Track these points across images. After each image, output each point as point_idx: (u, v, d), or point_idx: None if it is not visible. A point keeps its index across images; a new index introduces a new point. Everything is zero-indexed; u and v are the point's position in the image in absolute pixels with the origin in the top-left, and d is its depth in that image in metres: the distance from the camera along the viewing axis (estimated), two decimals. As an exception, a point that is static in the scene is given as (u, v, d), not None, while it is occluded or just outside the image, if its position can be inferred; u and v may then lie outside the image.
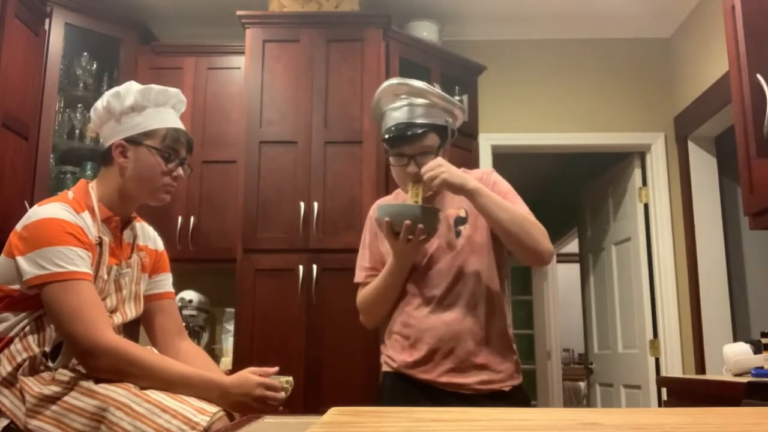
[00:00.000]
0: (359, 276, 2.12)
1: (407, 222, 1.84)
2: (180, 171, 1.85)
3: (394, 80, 2.06)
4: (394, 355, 2.03)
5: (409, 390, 1.97)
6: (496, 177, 2.07)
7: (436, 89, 2.05)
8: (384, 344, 2.10)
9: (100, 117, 1.82)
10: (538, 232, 1.93)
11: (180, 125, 1.85)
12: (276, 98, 3.50)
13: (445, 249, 2.01)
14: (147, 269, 1.89)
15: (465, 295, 1.98)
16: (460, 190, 1.90)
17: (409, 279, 2.02)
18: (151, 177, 1.80)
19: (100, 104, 1.82)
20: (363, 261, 2.13)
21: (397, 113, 2.01)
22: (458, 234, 2.02)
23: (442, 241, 2.00)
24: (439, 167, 1.88)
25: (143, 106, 1.79)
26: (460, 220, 2.04)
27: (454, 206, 2.04)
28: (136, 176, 1.79)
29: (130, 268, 1.81)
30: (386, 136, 2.01)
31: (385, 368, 2.07)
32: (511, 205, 1.94)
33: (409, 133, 1.97)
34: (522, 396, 2.02)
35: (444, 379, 1.94)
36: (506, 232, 1.93)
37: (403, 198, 2.11)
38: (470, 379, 1.94)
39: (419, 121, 1.98)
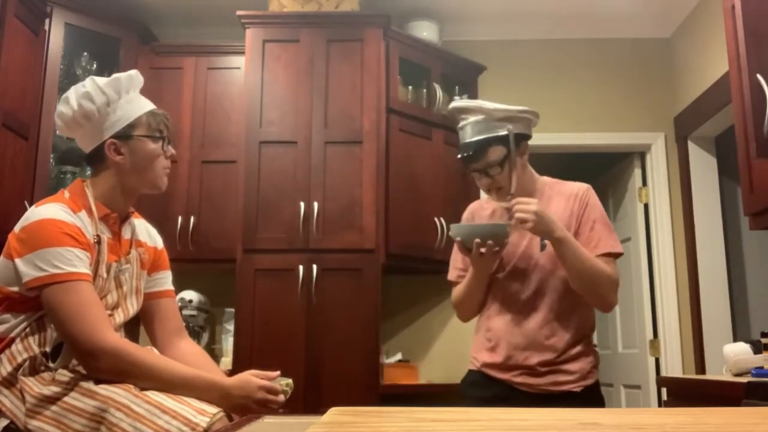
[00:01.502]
0: (452, 275, 2.29)
1: (477, 240, 1.99)
2: (171, 149, 1.85)
3: (452, 104, 2.18)
4: (477, 355, 2.19)
5: (488, 386, 2.13)
6: (592, 198, 2.15)
7: (491, 103, 2.11)
8: (473, 344, 2.25)
9: (75, 121, 1.78)
10: (606, 288, 2.06)
11: (151, 105, 1.85)
12: (276, 98, 3.50)
13: (528, 261, 2.12)
14: (146, 266, 1.88)
15: (542, 308, 2.10)
16: (547, 236, 2.01)
17: (493, 286, 2.16)
18: (151, 165, 1.80)
19: (68, 109, 1.77)
20: (456, 262, 2.29)
21: (462, 133, 2.12)
22: (543, 247, 2.07)
23: (525, 254, 2.12)
24: (532, 214, 1.96)
25: (116, 99, 1.78)
26: None
27: None
28: (136, 169, 1.79)
29: (130, 264, 1.80)
30: (458, 157, 2.15)
31: (470, 366, 2.23)
32: (589, 257, 2.03)
33: (469, 153, 2.08)
34: (594, 396, 2.10)
35: (519, 380, 2.09)
36: (577, 282, 2.06)
37: (491, 203, 2.27)
38: (542, 380, 2.07)
39: (477, 138, 2.07)
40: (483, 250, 1.99)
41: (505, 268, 2.13)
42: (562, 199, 2.15)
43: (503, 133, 2.06)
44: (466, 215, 2.32)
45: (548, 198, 2.16)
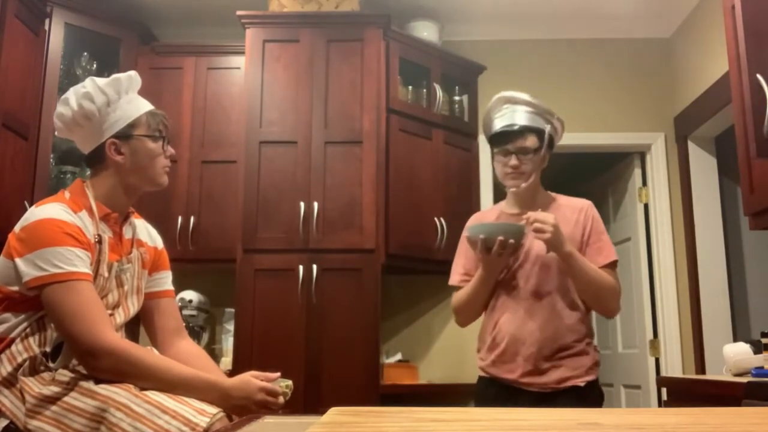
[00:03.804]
0: (454, 279, 2.37)
1: (500, 238, 2.08)
2: (170, 149, 1.86)
3: (503, 93, 2.34)
4: (485, 355, 2.28)
5: (499, 393, 2.22)
6: (595, 213, 2.31)
7: (538, 101, 2.33)
8: (479, 351, 2.33)
9: (75, 122, 1.78)
10: (610, 296, 2.22)
11: (150, 105, 1.85)
12: (276, 98, 3.50)
13: (536, 261, 2.23)
14: (147, 266, 1.88)
15: (547, 305, 2.21)
16: (557, 250, 2.14)
17: (498, 287, 2.26)
18: (152, 164, 1.81)
19: (67, 110, 1.77)
20: (458, 267, 2.37)
21: (502, 118, 2.30)
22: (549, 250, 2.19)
23: (533, 254, 2.23)
24: (551, 226, 2.09)
25: (116, 99, 1.78)
26: None
27: None
28: (136, 168, 1.79)
29: (131, 264, 1.81)
30: (492, 133, 2.29)
31: (480, 373, 2.31)
32: (594, 269, 2.18)
33: (512, 128, 2.25)
34: (597, 392, 2.23)
35: (525, 380, 2.18)
36: (582, 292, 2.22)
37: (497, 212, 2.39)
38: (547, 378, 2.17)
39: (522, 123, 2.26)
40: (501, 248, 2.10)
41: (514, 267, 2.24)
42: (568, 211, 2.30)
43: (545, 127, 2.27)
44: (471, 224, 2.37)
45: (554, 209, 2.28)
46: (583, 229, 2.27)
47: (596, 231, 2.27)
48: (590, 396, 2.18)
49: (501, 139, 2.26)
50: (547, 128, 2.28)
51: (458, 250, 2.40)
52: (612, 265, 2.24)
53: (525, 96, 2.31)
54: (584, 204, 2.33)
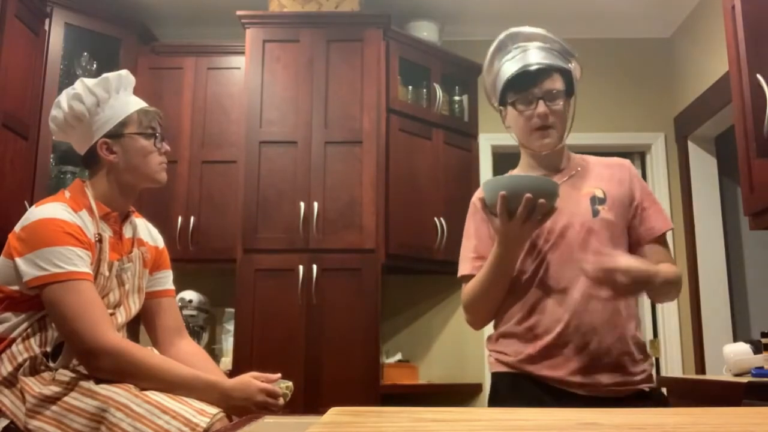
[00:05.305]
0: (465, 268, 1.84)
1: (528, 195, 1.55)
2: (165, 145, 1.85)
3: (511, 29, 1.94)
4: (514, 350, 1.76)
5: (534, 393, 1.71)
6: (638, 174, 1.91)
7: (555, 36, 1.91)
8: (495, 341, 1.83)
9: (67, 124, 1.79)
10: (676, 290, 1.80)
11: (142, 103, 1.85)
12: (276, 98, 3.50)
13: (581, 230, 1.75)
14: (148, 265, 1.88)
15: (599, 286, 1.69)
16: (647, 287, 1.70)
17: (538, 260, 1.75)
18: (146, 162, 1.81)
19: (59, 112, 1.78)
20: (468, 252, 1.85)
21: (515, 60, 1.85)
22: (596, 213, 1.77)
23: (578, 221, 1.75)
24: (628, 273, 1.59)
25: (106, 98, 1.78)
26: (598, 200, 1.80)
27: (591, 185, 1.82)
28: (130, 167, 1.79)
29: (132, 263, 1.81)
30: (510, 77, 1.83)
31: (500, 368, 1.80)
32: (665, 269, 1.73)
33: (532, 68, 1.79)
34: (663, 398, 1.84)
35: (576, 379, 1.68)
36: (655, 295, 1.85)
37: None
38: (605, 379, 1.68)
39: (544, 61, 1.82)
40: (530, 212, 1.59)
41: (552, 236, 1.75)
42: (604, 168, 1.87)
43: (570, 66, 1.85)
44: (478, 197, 1.86)
45: (586, 170, 1.86)
46: (631, 189, 1.82)
47: (647, 192, 1.85)
48: (657, 403, 1.73)
49: (520, 84, 1.80)
50: (571, 67, 1.86)
51: (466, 233, 1.89)
52: (665, 234, 1.82)
53: (539, 30, 1.89)
54: (624, 161, 1.91)
